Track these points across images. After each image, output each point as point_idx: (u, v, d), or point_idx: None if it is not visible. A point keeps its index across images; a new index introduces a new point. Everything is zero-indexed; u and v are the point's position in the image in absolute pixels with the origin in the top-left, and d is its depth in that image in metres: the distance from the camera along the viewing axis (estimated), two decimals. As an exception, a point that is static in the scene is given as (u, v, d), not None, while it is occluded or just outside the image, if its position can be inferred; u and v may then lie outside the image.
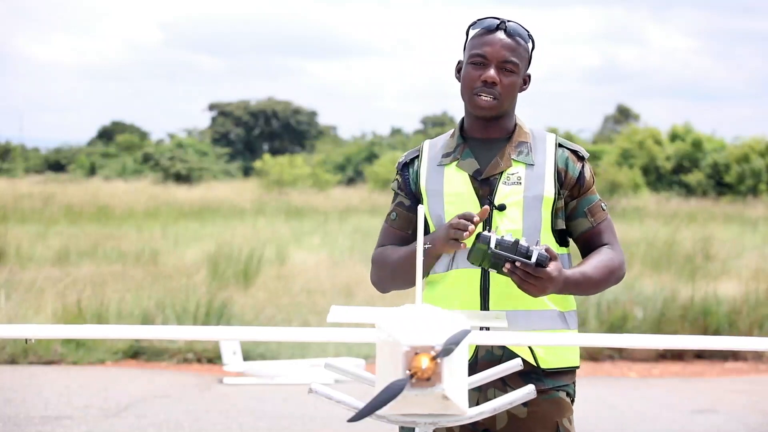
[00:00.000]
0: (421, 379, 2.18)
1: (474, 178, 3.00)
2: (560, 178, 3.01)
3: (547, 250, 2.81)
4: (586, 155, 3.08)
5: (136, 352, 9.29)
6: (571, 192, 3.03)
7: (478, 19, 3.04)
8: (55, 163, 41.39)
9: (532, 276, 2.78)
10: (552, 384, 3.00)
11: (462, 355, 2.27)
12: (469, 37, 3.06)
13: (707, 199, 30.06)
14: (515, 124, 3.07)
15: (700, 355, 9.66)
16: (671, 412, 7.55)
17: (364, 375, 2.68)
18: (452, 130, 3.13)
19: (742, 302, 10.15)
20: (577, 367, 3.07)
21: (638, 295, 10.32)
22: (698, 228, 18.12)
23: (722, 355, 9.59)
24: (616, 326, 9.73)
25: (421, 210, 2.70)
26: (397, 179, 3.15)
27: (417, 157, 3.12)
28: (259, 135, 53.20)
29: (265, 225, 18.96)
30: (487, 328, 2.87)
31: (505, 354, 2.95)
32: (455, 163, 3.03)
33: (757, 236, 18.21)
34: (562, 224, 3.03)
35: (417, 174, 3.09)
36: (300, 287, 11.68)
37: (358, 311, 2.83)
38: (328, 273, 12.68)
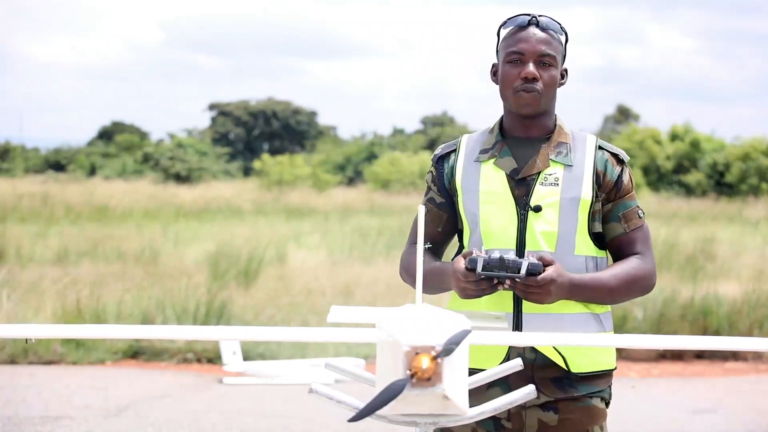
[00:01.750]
0: (421, 379, 2.18)
1: (511, 177, 2.95)
2: (598, 180, 2.95)
3: (540, 258, 2.78)
4: (627, 159, 3.02)
5: (135, 352, 9.29)
6: (608, 195, 2.97)
7: (509, 18, 3.00)
8: (55, 163, 41.34)
9: (532, 286, 2.76)
10: (586, 390, 2.94)
11: (462, 355, 2.27)
12: (501, 37, 3.01)
13: (707, 199, 30.08)
14: (555, 124, 3.02)
15: (700, 355, 9.66)
16: (671, 412, 7.55)
17: (364, 375, 2.68)
18: (491, 125, 3.08)
19: (742, 302, 10.15)
20: (613, 369, 3.01)
21: (638, 295, 10.30)
22: (698, 228, 18.12)
23: (722, 355, 9.59)
24: (616, 326, 9.72)
25: (422, 209, 2.68)
26: (431, 171, 3.10)
27: (454, 151, 3.06)
28: (259, 135, 53.19)
29: (265, 225, 18.96)
30: (519, 327, 2.85)
31: (537, 358, 2.91)
32: (493, 160, 2.98)
33: (757, 236, 18.21)
34: (598, 227, 2.97)
35: (453, 169, 3.04)
36: (300, 287, 11.67)
37: (358, 311, 2.83)
38: (328, 273, 12.68)
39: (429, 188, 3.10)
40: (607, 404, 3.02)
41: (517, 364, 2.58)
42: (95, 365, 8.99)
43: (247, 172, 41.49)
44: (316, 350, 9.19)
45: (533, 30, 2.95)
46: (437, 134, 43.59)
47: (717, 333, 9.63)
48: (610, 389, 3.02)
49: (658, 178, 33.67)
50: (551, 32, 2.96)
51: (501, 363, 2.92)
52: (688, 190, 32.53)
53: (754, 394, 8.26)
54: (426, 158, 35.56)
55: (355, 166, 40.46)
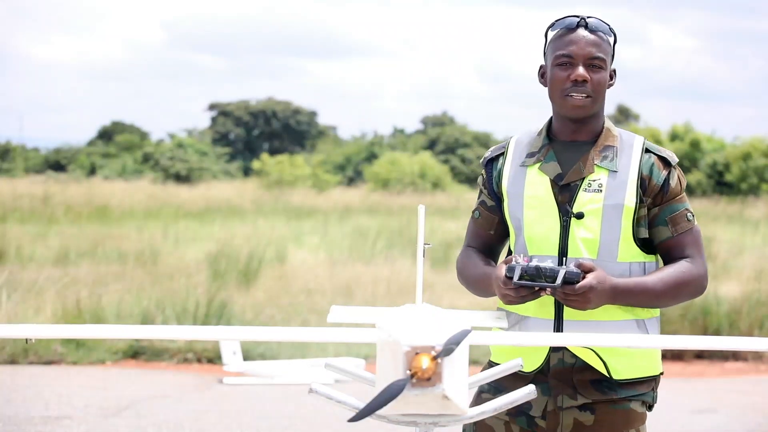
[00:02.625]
0: (421, 379, 2.18)
1: (555, 183, 2.93)
2: (643, 185, 2.90)
3: (579, 265, 2.76)
4: (675, 161, 2.96)
5: (136, 352, 9.29)
6: (654, 199, 2.92)
7: (557, 20, 2.98)
8: (55, 163, 41.32)
9: (570, 294, 2.75)
10: (625, 394, 2.91)
11: (462, 355, 2.27)
12: (549, 39, 2.99)
13: (707, 198, 30.07)
14: (603, 126, 2.98)
15: (700, 355, 9.66)
16: (671, 412, 7.55)
17: (364, 375, 2.68)
18: (541, 127, 3.05)
19: (742, 302, 10.15)
20: (659, 374, 2.97)
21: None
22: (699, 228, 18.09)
23: (722, 355, 9.60)
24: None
25: (422, 209, 2.68)
26: (482, 175, 3.10)
27: (502, 154, 3.05)
28: (259, 135, 53.17)
29: (265, 225, 18.95)
30: (566, 330, 2.85)
31: (577, 362, 2.89)
32: (538, 165, 2.96)
33: (757, 237, 18.20)
34: (644, 233, 2.92)
35: (500, 173, 3.03)
36: (300, 287, 11.68)
37: (358, 311, 2.83)
38: (328, 273, 12.68)
39: (480, 191, 3.11)
40: (650, 407, 2.98)
41: (517, 364, 2.58)
42: (95, 365, 8.99)
43: (247, 172, 41.47)
44: (316, 350, 9.19)
45: (582, 32, 2.92)
46: (437, 134, 43.55)
47: (717, 333, 9.63)
48: (654, 392, 2.97)
49: (658, 178, 33.66)
50: (600, 34, 2.93)
51: (540, 365, 2.92)
52: (689, 190, 32.49)
53: (754, 394, 8.26)
54: (426, 158, 35.57)
55: (355, 166, 40.45)
